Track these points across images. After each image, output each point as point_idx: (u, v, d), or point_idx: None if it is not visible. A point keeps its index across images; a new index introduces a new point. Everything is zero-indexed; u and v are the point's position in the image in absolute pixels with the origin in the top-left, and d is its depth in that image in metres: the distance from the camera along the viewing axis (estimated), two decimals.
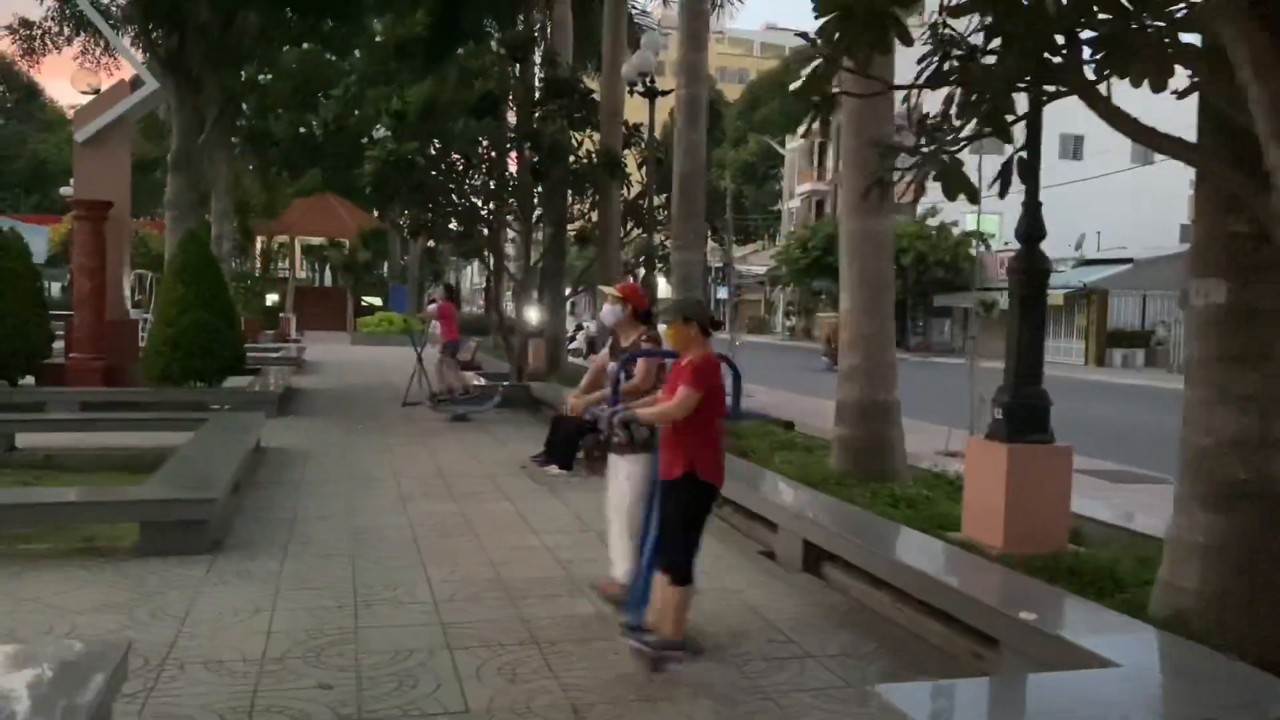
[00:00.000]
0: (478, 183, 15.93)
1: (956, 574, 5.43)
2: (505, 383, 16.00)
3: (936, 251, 39.99)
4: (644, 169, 16.29)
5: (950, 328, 43.17)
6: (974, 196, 4.75)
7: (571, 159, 15.64)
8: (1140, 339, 35.84)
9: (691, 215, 11.86)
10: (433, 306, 19.24)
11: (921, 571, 5.40)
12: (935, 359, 37.98)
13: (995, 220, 44.31)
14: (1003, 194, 4.44)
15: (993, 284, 40.39)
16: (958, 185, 4.66)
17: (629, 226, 16.90)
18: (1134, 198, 44.30)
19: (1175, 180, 44.61)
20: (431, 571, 6.31)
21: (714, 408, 4.70)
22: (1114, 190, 42.16)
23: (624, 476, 5.45)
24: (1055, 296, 36.43)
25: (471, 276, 73.46)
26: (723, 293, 60.52)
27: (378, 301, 43.34)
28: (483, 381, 16.22)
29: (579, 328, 30.69)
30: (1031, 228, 6.16)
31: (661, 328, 5.65)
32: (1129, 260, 36.57)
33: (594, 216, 17.96)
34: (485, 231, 16.32)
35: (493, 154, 15.04)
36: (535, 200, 16.59)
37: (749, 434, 10.48)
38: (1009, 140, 4.29)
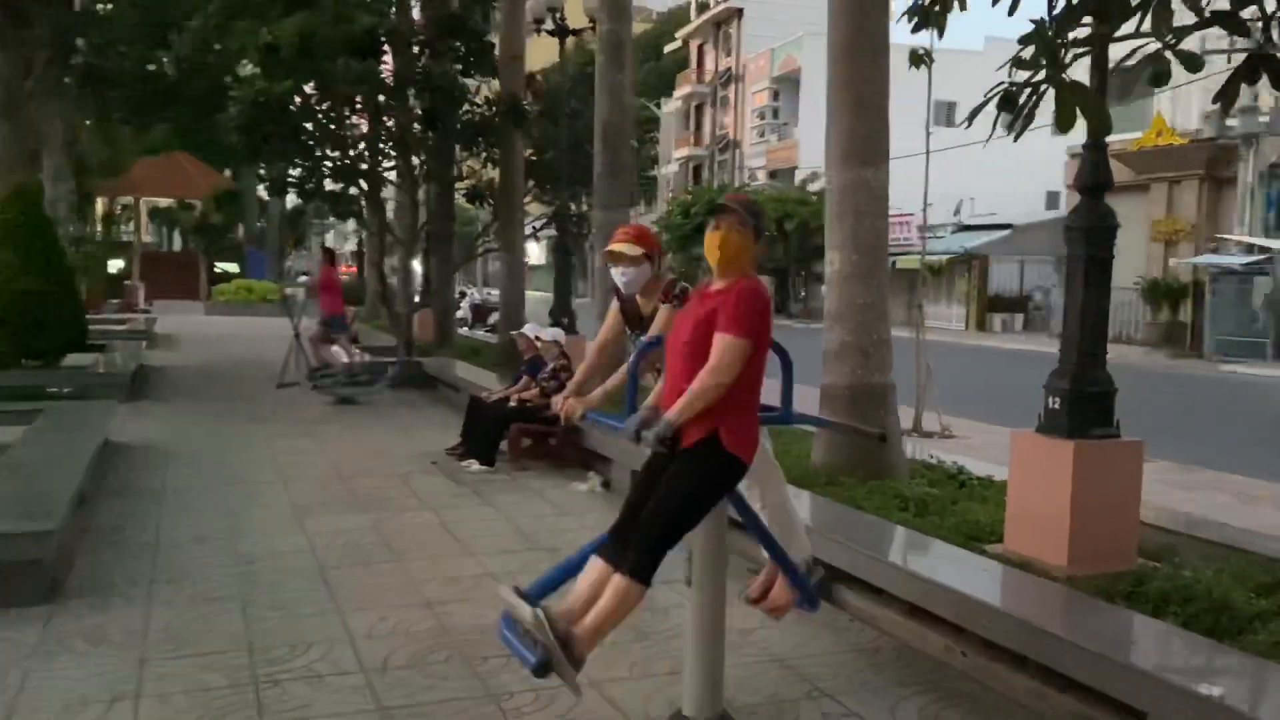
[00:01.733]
0: (357, 133, 14.13)
1: (1052, 614, 4.30)
2: (393, 358, 14.32)
3: (819, 218, 39.44)
4: (557, 120, 14.71)
5: None
6: (1104, 126, 3.57)
7: (465, 107, 13.98)
8: (1019, 304, 36.16)
9: (618, 170, 10.46)
10: (305, 279, 17.33)
11: (1007, 613, 4.24)
12: (819, 325, 37.59)
13: None
14: (1229, 99, 3.23)
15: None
16: (1084, 111, 3.46)
17: (530, 185, 15.37)
18: (1004, 165, 44.83)
19: (1043, 148, 45.52)
20: (352, 621, 4.83)
21: (758, 360, 3.34)
22: (985, 157, 42.46)
23: None
24: (938, 261, 36.45)
25: (335, 241, 69.96)
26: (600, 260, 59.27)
27: (234, 268, 40.36)
28: (360, 355, 14.46)
29: (461, 295, 28.91)
30: (1099, 175, 5.04)
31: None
32: (1008, 226, 36.83)
33: (487, 173, 16.35)
34: (366, 187, 14.53)
35: (377, 99, 13.23)
36: (421, 154, 14.87)
37: None
38: (1244, 34, 3.09)
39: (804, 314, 41.73)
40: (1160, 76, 2.97)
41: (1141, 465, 5.21)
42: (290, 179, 15.19)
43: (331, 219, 50.93)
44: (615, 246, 4.16)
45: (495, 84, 14.33)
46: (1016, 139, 3.73)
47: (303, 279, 16.29)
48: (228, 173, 39.84)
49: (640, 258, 4.12)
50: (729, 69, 53.33)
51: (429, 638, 4.63)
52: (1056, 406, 5.13)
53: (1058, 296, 34.07)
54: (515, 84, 13.69)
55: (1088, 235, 5.06)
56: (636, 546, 3.27)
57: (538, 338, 8.74)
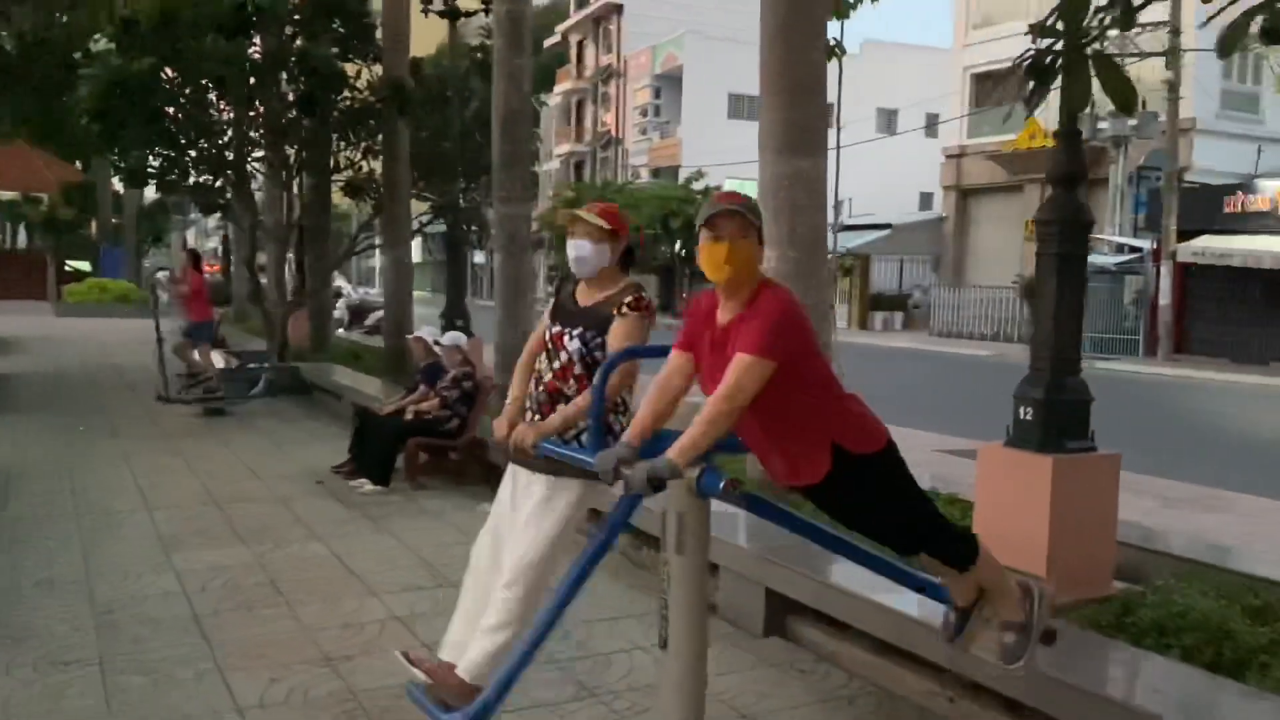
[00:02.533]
0: (224, 118, 13.01)
1: (1048, 652, 3.84)
2: (267, 364, 13.26)
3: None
4: (444, 107, 13.85)
5: None
6: (1129, 104, 3.11)
7: (344, 93, 13.01)
8: (899, 303, 36.66)
9: (518, 160, 9.72)
10: (162, 275, 16.16)
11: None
12: None
13: (754, 185, 44.49)
14: None
15: None
16: (1108, 86, 3.01)
17: (414, 177, 14.44)
18: (878, 166, 45.72)
19: (915, 150, 46.52)
20: (238, 685, 4.05)
21: (812, 368, 2.90)
22: (861, 158, 43.21)
23: (538, 505, 3.48)
24: (850, 261, 36.73)
25: (196, 238, 66.82)
26: (479, 257, 57.91)
27: (86, 266, 37.85)
28: (224, 363, 13.35)
29: (337, 294, 27.55)
30: (1073, 164, 4.62)
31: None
32: (887, 226, 37.31)
33: (367, 165, 15.40)
34: (234, 179, 13.42)
35: (247, 81, 12.12)
36: (295, 144, 13.83)
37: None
38: None
39: None
40: (1276, 33, 2.52)
41: (1118, 480, 4.83)
42: (150, 169, 13.94)
43: (193, 214, 48.45)
44: (578, 212, 3.52)
45: (378, 69, 13.41)
46: (1031, 112, 3.25)
47: (161, 274, 14.87)
48: (78, 164, 37.33)
49: (603, 233, 3.49)
50: (610, 65, 52.87)
51: (334, 704, 3.90)
52: (1029, 418, 4.70)
53: (936, 295, 34.59)
54: (399, 68, 12.79)
55: (1062, 230, 4.63)
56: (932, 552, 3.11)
57: (436, 342, 7.98)
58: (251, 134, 13.38)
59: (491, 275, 12.47)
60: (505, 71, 9.66)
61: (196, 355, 11.90)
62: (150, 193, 31.79)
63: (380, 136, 13.75)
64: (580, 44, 57.09)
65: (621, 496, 3.06)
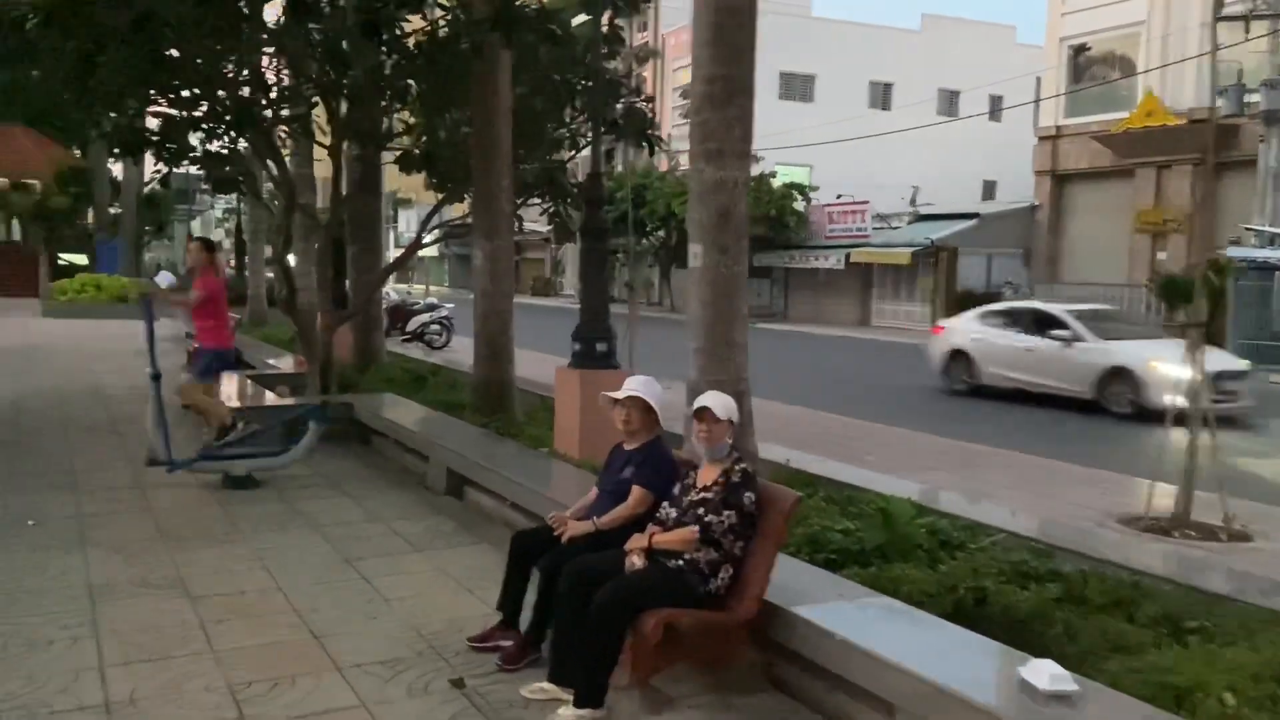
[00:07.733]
0: (257, 53, 9.24)
1: None
2: (313, 399, 9.51)
3: (761, 205, 35.41)
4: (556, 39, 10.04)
5: (771, 289, 38.95)
6: None
7: (419, 21, 9.23)
8: (989, 302, 32.65)
9: (733, 95, 5.99)
10: (163, 276, 12.48)
11: None
12: (763, 325, 33.52)
13: (805, 172, 40.47)
14: None
15: (820, 241, 36.54)
16: None
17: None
18: (939, 150, 41.94)
19: (977, 134, 42.65)
20: None
21: None
22: (918, 143, 39.48)
23: None
24: (902, 255, 32.80)
25: (201, 230, 63.03)
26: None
27: (82, 260, 34.17)
28: (266, 400, 9.62)
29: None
30: None
31: None
32: (974, 215, 33.38)
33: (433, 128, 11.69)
34: (264, 143, 9.71)
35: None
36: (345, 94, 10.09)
37: None
38: None
39: (782, 318, 37.54)
40: None
41: None
42: (147, 133, 10.23)
43: (202, 200, 44.61)
44: None
45: None
46: None
47: (162, 277, 10.85)
48: (76, 151, 33.63)
49: None
50: (646, 44, 49.06)
51: None
52: None
53: (1042, 293, 30.36)
54: None
55: None
56: None
57: (722, 415, 4.10)
58: (283, 75, 9.65)
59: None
60: None
61: (215, 400, 8.16)
62: (152, 175, 27.92)
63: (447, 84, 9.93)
64: (611, 21, 53.20)
65: None
